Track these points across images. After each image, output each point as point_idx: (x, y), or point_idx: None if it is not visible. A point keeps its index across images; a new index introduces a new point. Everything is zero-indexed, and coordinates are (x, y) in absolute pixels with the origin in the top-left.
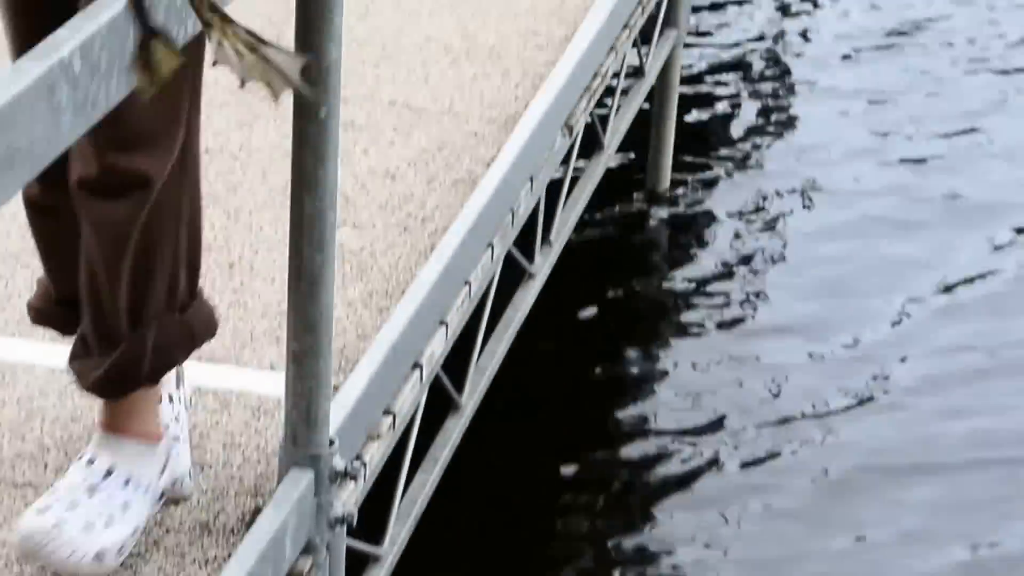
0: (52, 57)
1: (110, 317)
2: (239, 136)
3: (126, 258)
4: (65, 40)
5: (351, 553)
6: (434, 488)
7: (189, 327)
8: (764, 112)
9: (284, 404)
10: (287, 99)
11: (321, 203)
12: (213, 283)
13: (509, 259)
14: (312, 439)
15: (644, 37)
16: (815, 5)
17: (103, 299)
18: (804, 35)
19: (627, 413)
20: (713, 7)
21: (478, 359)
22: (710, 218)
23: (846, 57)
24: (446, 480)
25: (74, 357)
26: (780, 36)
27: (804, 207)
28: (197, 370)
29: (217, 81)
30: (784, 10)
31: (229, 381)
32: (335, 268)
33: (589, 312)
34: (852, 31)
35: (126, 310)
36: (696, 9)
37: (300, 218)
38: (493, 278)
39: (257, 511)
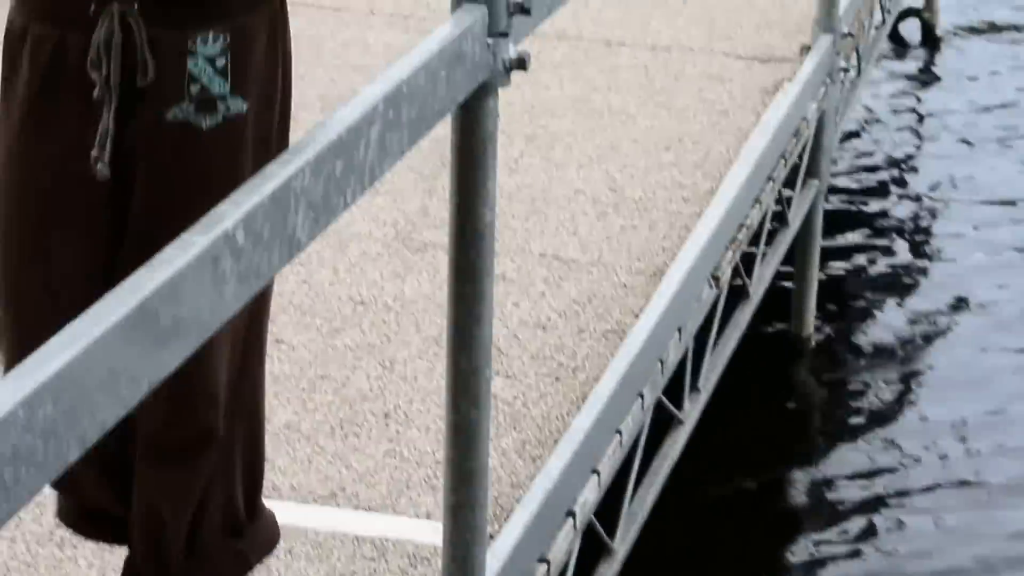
0: (217, 229)
1: (166, 551)
2: (393, 288)
3: (189, 503)
4: (229, 213)
5: None
6: None
7: (243, 552)
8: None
9: (441, 554)
10: (443, 256)
11: (477, 360)
12: (369, 432)
13: (658, 407)
14: None
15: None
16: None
17: (162, 537)
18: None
19: (793, 560)
20: (866, 169)
21: (630, 505)
22: (858, 367)
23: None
24: None
25: None
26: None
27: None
28: (354, 518)
29: (371, 234)
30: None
31: (386, 529)
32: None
33: (740, 459)
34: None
35: (183, 543)
36: (847, 170)
37: (456, 375)
38: (643, 426)
39: None
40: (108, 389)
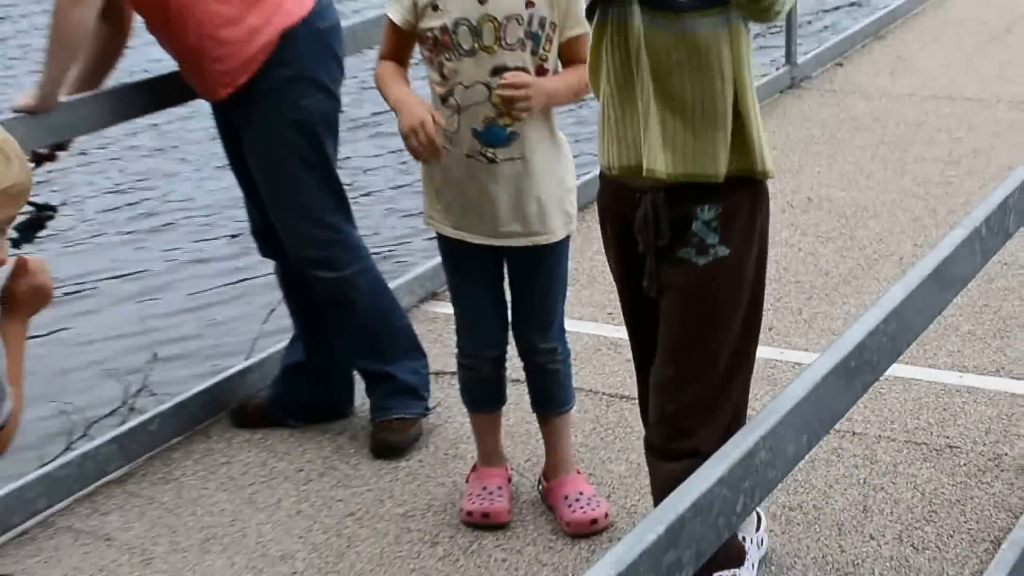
0: (971, 225)
1: None
2: None
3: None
4: (980, 214)
5: None
6: None
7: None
8: None
9: None
10: None
11: None
12: None
13: None
14: None
15: None
16: None
17: None
18: None
19: None
20: None
21: None
22: None
23: None
24: None
25: None
26: None
27: None
28: None
29: None
30: None
31: None
32: None
33: None
34: None
35: None
36: None
37: None
38: None
39: None
40: (915, 319)
